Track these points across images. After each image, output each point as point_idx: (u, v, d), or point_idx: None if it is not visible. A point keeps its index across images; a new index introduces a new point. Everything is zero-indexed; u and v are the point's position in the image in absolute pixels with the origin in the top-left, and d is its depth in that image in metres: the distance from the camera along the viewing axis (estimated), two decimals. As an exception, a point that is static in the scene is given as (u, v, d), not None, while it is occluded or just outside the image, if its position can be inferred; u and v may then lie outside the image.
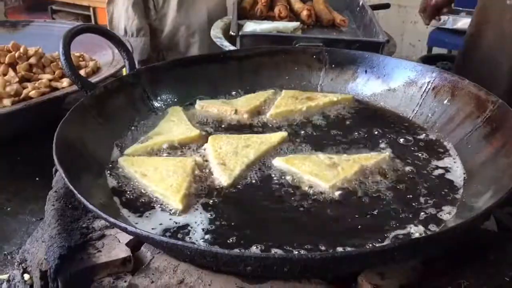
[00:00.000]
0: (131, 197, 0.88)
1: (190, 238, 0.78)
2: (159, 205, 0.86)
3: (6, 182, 1.15)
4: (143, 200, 0.87)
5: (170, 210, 0.84)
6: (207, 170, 0.95)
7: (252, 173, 0.95)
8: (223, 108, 1.18)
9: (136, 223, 0.80)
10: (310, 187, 0.91)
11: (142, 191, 0.89)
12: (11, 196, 1.11)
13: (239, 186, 0.91)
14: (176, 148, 1.02)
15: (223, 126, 1.13)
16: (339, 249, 0.73)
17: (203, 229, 0.80)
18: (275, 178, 0.94)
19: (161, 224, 0.81)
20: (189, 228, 0.80)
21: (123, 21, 2.06)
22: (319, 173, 0.93)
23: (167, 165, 0.93)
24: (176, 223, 0.81)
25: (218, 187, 0.91)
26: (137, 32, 2.07)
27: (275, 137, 1.05)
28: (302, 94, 1.24)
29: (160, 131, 1.07)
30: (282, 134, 1.07)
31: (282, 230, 0.81)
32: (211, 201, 0.87)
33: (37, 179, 1.16)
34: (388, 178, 0.93)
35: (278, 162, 0.97)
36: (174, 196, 0.85)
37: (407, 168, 0.97)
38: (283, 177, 0.94)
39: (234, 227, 0.80)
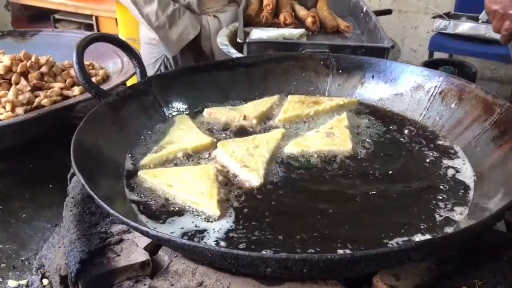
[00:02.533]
0: (151, 205, 0.88)
1: (205, 242, 0.79)
2: (190, 213, 0.86)
3: (20, 190, 1.16)
4: (165, 209, 0.88)
5: (205, 216, 0.85)
6: (230, 175, 0.97)
7: (274, 168, 0.99)
8: (231, 115, 1.19)
9: (155, 228, 0.81)
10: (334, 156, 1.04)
11: (169, 200, 0.90)
12: (26, 203, 1.12)
13: (270, 184, 0.94)
14: (190, 156, 1.03)
15: (233, 132, 1.15)
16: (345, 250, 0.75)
17: (227, 230, 0.82)
18: (297, 164, 1.01)
19: (182, 228, 0.82)
20: (205, 233, 0.81)
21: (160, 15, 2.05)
22: (334, 141, 1.06)
23: (190, 174, 0.94)
24: (197, 226, 0.83)
25: (250, 188, 0.93)
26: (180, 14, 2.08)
27: (276, 134, 1.10)
28: (308, 98, 1.26)
29: (172, 140, 1.08)
30: (281, 130, 1.13)
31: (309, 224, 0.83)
32: (244, 203, 0.89)
33: (50, 186, 1.17)
34: (396, 176, 0.97)
35: (289, 149, 1.05)
36: (210, 202, 0.86)
37: (415, 164, 1.01)
38: (301, 160, 1.02)
39: (256, 229, 0.82)
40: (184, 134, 1.10)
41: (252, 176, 0.95)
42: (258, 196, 0.91)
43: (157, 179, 0.93)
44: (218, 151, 1.04)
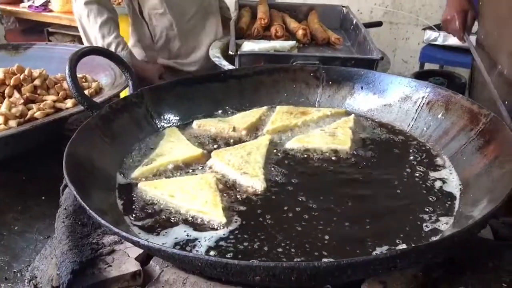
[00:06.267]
0: (144, 217, 0.89)
1: (196, 251, 0.81)
2: (187, 222, 0.88)
3: (13, 201, 1.17)
4: (159, 220, 0.89)
5: (209, 225, 0.86)
6: (230, 183, 0.99)
7: (272, 172, 1.03)
8: (220, 126, 1.21)
9: (147, 239, 0.82)
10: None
11: (170, 210, 0.91)
12: (18, 215, 1.13)
13: (272, 187, 0.98)
14: (181, 168, 1.05)
15: (222, 143, 1.16)
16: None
17: (218, 239, 0.83)
18: (293, 164, 1.06)
19: (176, 238, 0.83)
20: (197, 242, 0.83)
21: (100, 41, 2.02)
22: (334, 140, 1.13)
23: (191, 184, 0.96)
24: (189, 235, 0.84)
25: (254, 194, 0.95)
26: (115, 49, 2.02)
27: (264, 140, 1.14)
28: (296, 109, 1.28)
29: (162, 152, 1.09)
30: (268, 136, 1.16)
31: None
32: (248, 209, 0.91)
33: (43, 198, 1.18)
34: (385, 186, 0.99)
35: (291, 144, 1.13)
36: (215, 210, 0.87)
37: (403, 175, 1.02)
38: (298, 159, 1.08)
39: (245, 240, 0.83)
40: (174, 146, 1.12)
41: (255, 182, 0.97)
42: (260, 201, 0.93)
43: (158, 190, 0.94)
44: (213, 161, 1.06)
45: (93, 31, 1.99)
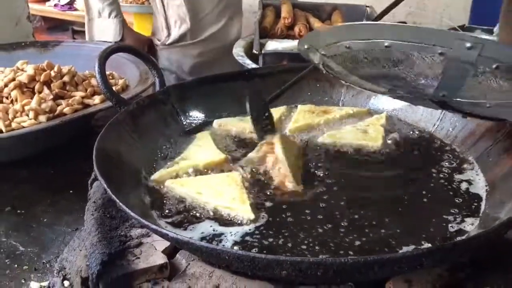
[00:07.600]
0: (171, 212, 0.91)
1: (223, 245, 0.82)
2: (214, 218, 0.89)
3: (42, 195, 1.20)
4: (186, 215, 0.90)
5: (235, 221, 0.88)
6: (256, 181, 1.00)
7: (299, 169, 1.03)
8: (241, 126, 1.21)
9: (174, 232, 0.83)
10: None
11: (198, 207, 0.92)
12: (47, 208, 1.16)
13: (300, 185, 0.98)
14: (202, 173, 1.04)
15: (244, 144, 1.16)
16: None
17: (243, 234, 0.84)
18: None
19: (202, 233, 0.85)
20: (223, 236, 0.84)
21: (96, 4, 2.17)
22: (366, 137, 1.15)
23: (217, 182, 0.97)
24: (215, 230, 0.85)
25: (280, 191, 0.96)
26: (109, 14, 2.16)
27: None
28: (318, 108, 1.28)
29: (187, 156, 1.09)
30: (292, 136, 1.18)
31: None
32: (275, 206, 0.92)
33: (71, 191, 1.21)
34: (410, 186, 0.98)
35: (322, 139, 1.15)
36: (244, 207, 0.88)
37: (429, 176, 1.01)
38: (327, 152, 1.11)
39: (270, 236, 0.84)
40: (199, 150, 1.11)
41: (281, 180, 0.98)
42: (287, 199, 0.94)
43: (185, 188, 0.96)
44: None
45: None
